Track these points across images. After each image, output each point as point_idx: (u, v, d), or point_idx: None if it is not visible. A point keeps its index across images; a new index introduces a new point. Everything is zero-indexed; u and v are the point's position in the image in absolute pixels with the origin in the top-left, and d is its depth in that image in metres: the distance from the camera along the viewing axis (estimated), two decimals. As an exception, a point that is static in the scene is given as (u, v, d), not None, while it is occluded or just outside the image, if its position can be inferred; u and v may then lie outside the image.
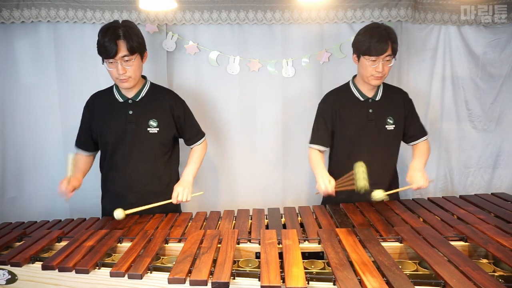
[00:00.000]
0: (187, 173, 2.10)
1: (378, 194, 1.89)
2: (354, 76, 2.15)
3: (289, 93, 2.62)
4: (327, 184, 1.92)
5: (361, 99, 2.09)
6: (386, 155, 2.14)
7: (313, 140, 2.17)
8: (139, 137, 2.02)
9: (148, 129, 2.02)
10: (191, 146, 2.19)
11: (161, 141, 2.06)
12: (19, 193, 2.63)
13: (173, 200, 1.98)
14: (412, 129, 2.16)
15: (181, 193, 1.98)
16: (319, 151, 2.15)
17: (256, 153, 2.70)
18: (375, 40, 1.92)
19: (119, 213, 1.88)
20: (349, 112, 2.10)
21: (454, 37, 2.63)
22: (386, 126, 2.09)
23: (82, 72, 2.51)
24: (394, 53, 1.97)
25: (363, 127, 2.08)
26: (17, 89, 2.52)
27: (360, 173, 1.83)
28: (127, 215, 1.90)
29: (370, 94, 2.09)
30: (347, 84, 2.16)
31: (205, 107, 2.62)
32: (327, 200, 2.14)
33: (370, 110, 2.08)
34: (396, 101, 2.13)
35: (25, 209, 2.61)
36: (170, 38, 2.52)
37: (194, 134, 2.17)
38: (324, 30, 2.56)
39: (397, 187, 2.21)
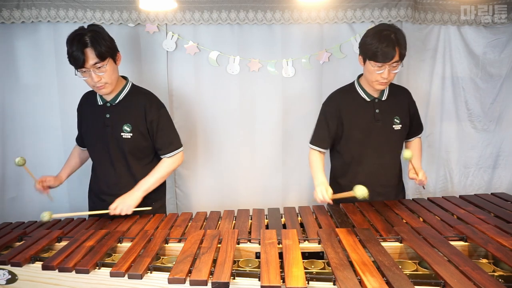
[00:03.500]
0: (139, 186, 1.98)
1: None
2: (359, 76, 2.12)
3: (289, 93, 2.62)
4: (324, 194, 1.90)
5: (367, 99, 2.06)
6: (394, 155, 2.12)
7: (313, 141, 2.15)
8: (114, 141, 1.98)
9: (122, 134, 1.97)
10: (161, 156, 2.05)
11: (136, 146, 1.99)
12: (19, 193, 2.63)
13: (110, 211, 1.91)
14: (412, 127, 2.17)
15: (120, 206, 1.91)
16: (319, 152, 2.14)
17: (256, 153, 2.70)
18: (383, 46, 1.84)
19: (45, 215, 1.84)
20: (355, 113, 2.07)
21: (454, 37, 2.63)
22: (394, 126, 2.06)
23: (82, 72, 2.51)
24: (401, 58, 1.91)
25: (370, 128, 2.05)
26: (17, 89, 2.53)
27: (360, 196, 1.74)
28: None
29: (376, 94, 2.06)
30: (352, 84, 2.13)
31: (205, 107, 2.62)
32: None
33: (377, 111, 2.05)
34: (401, 100, 2.12)
35: (25, 209, 2.61)
36: (170, 38, 2.52)
37: (165, 144, 2.02)
38: (324, 30, 2.56)
39: (403, 186, 2.25)
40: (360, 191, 1.73)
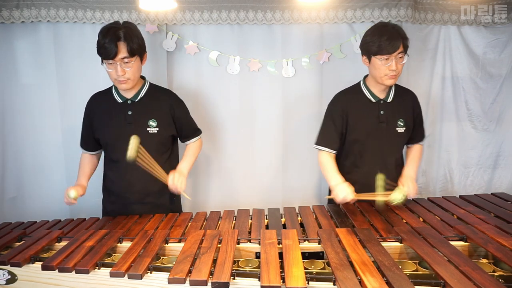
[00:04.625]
0: (183, 167, 2.11)
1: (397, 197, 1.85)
2: (365, 77, 2.12)
3: (289, 93, 2.62)
4: (347, 193, 1.87)
5: (373, 100, 2.06)
6: (396, 157, 2.12)
7: (321, 142, 2.10)
8: (139, 137, 2.02)
9: (148, 129, 2.02)
10: (186, 143, 2.21)
11: (161, 140, 2.06)
12: (19, 193, 2.63)
13: (169, 181, 1.98)
14: (414, 132, 2.15)
15: (176, 177, 1.99)
16: (329, 153, 2.09)
17: (256, 153, 2.70)
18: (385, 39, 1.88)
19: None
20: (360, 114, 2.06)
21: (454, 37, 2.63)
22: (397, 128, 2.06)
23: (82, 72, 2.51)
24: (405, 49, 1.94)
25: (374, 129, 2.05)
26: (17, 89, 2.52)
27: (382, 187, 1.82)
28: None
29: (382, 96, 2.06)
30: (358, 84, 2.12)
31: (205, 107, 2.62)
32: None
33: (382, 112, 2.05)
34: (406, 102, 2.11)
35: (25, 209, 2.61)
36: (170, 38, 2.52)
37: (191, 132, 2.20)
38: (324, 30, 2.56)
39: None
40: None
